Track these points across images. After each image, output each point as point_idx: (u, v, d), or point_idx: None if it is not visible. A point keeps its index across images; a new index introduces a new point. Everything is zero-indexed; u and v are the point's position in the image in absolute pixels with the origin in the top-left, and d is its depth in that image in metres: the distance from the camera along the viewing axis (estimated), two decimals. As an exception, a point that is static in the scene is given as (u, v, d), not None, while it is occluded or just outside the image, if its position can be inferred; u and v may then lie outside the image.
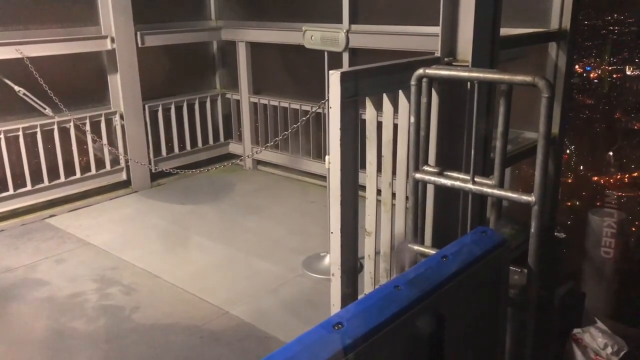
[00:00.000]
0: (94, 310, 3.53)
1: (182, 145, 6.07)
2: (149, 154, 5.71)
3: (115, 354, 3.14)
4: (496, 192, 2.18)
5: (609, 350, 2.10)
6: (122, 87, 5.40)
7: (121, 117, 5.46)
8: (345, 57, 5.08)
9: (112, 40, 5.25)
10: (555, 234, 4.34)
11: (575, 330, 2.17)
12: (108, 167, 5.49)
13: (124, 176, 5.59)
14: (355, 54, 5.12)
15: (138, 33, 5.42)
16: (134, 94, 5.49)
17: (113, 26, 5.22)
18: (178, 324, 3.38)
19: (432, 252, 2.36)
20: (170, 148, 5.98)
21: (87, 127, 5.24)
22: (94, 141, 5.31)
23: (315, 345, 1.45)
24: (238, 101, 6.22)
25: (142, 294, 3.73)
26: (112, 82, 5.43)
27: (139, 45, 5.45)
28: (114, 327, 3.36)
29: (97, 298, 3.67)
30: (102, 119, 5.36)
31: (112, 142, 5.48)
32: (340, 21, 5.09)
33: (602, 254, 2.80)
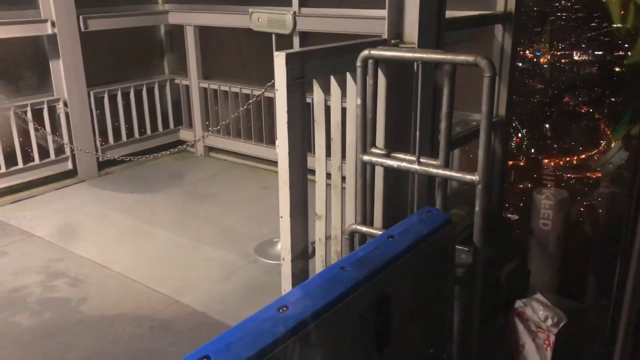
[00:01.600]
0: (38, 304, 3.41)
1: (130, 133, 5.91)
2: (95, 142, 5.53)
3: (62, 347, 3.04)
4: (441, 172, 2.20)
5: (549, 322, 2.16)
6: (65, 73, 5.20)
7: (65, 105, 5.27)
8: (296, 41, 5.03)
9: (53, 24, 5.04)
10: (508, 215, 4.44)
11: (517, 304, 2.23)
12: (52, 156, 5.30)
13: (69, 165, 5.41)
14: (306, 37, 5.08)
15: (80, 17, 5.22)
16: (78, 81, 5.30)
17: (53, 9, 5.01)
18: (127, 314, 3.30)
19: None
20: (117, 136, 5.81)
21: (29, 116, 5.03)
22: (36, 130, 5.11)
23: (258, 329, 1.43)
24: (187, 86, 6.09)
25: (89, 285, 3.62)
26: (54, 68, 5.22)
27: (82, 30, 5.26)
28: (59, 320, 3.25)
29: (41, 291, 3.55)
30: (45, 106, 5.16)
31: (56, 131, 5.28)
32: (289, 4, 5.03)
33: (540, 225, 2.87)
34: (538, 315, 2.17)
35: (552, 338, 2.25)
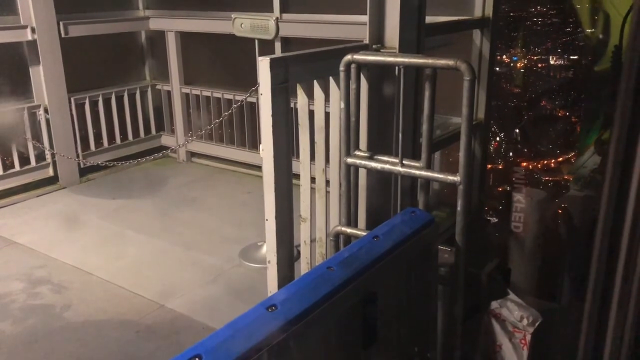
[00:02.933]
0: (21, 311, 3.39)
1: (111, 139, 5.89)
2: (76, 148, 5.50)
3: (45, 354, 3.03)
4: (424, 173, 2.25)
5: (525, 322, 2.22)
6: (45, 79, 5.17)
7: (45, 111, 5.23)
8: (278, 46, 5.07)
9: (33, 31, 5.01)
10: (488, 218, 4.51)
11: (493, 305, 2.28)
12: (33, 163, 5.26)
13: (50, 172, 5.38)
14: (288, 43, 5.12)
15: (61, 23, 5.20)
16: (59, 87, 5.27)
17: (33, 15, 4.98)
18: (112, 320, 3.30)
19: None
20: (99, 142, 5.79)
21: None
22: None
23: (249, 328, 1.46)
24: (169, 92, 6.09)
25: (73, 291, 3.61)
26: (34, 74, 5.19)
27: (62, 36, 5.24)
28: (43, 327, 3.24)
29: (24, 298, 3.53)
30: (25, 113, 5.12)
31: (36, 137, 5.25)
32: (271, 10, 5.08)
33: (512, 228, 2.94)
34: (514, 315, 2.22)
35: (529, 337, 2.31)
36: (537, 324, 2.26)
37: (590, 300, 1.89)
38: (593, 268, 1.86)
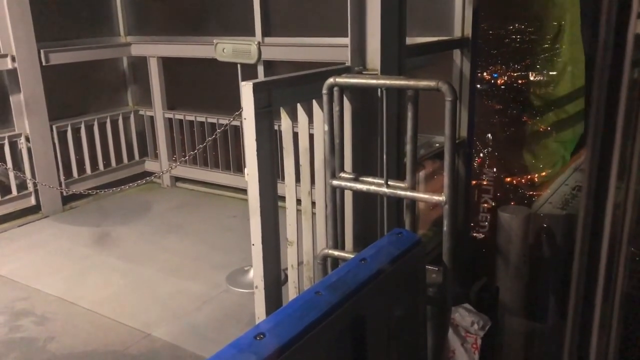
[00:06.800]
0: (2, 345, 3.31)
1: (94, 166, 5.84)
2: (59, 176, 5.45)
3: (29, 389, 2.96)
4: (409, 194, 2.25)
5: (476, 326, 2.26)
6: (26, 107, 5.13)
7: (27, 140, 5.18)
8: (260, 69, 5.09)
9: (13, 59, 4.98)
10: (474, 234, 4.52)
11: None
12: (15, 192, 5.19)
13: (32, 201, 5.30)
14: (271, 66, 5.14)
15: (41, 51, 5.18)
16: (40, 115, 5.23)
17: (13, 44, 4.96)
18: (97, 351, 3.23)
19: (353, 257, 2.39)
20: (82, 169, 5.73)
21: (-11, 151, 4.94)
22: (-3, 166, 5.01)
23: (236, 358, 1.43)
24: (152, 117, 6.06)
25: (57, 323, 3.54)
26: (15, 102, 5.14)
27: (43, 64, 5.21)
28: (26, 361, 3.16)
29: (6, 331, 3.44)
30: (6, 142, 5.06)
31: (18, 166, 5.19)
32: (253, 34, 5.10)
33: (505, 243, 2.95)
34: (465, 320, 2.27)
35: (479, 341, 2.34)
36: (487, 328, 2.30)
37: (571, 321, 1.88)
38: (573, 288, 1.85)
